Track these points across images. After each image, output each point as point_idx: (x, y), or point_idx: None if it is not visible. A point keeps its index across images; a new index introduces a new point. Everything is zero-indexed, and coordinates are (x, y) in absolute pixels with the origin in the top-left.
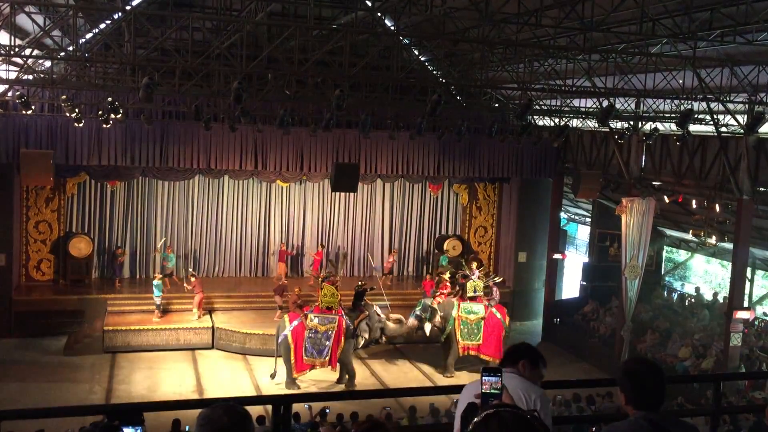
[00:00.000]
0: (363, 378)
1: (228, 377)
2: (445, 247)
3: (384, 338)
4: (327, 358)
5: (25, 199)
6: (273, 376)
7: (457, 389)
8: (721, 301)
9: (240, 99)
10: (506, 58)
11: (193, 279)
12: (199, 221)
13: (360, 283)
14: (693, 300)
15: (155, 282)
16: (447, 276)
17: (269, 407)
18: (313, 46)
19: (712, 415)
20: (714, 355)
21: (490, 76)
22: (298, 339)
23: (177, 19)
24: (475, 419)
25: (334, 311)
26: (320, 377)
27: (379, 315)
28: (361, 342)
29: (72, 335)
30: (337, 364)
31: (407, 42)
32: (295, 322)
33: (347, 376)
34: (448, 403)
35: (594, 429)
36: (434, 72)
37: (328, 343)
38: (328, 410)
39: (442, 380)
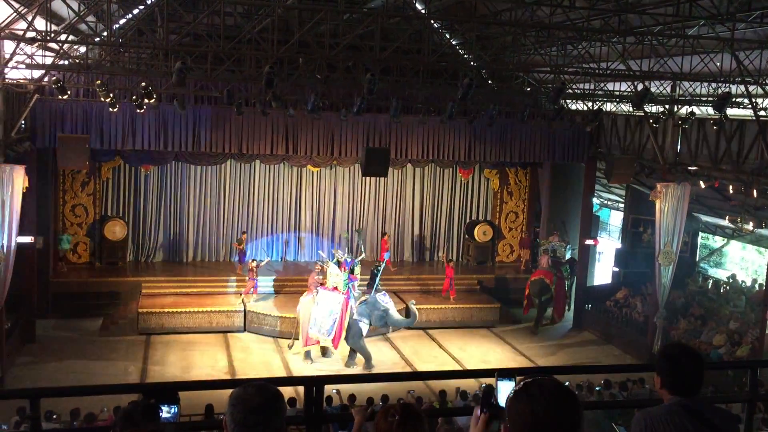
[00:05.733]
0: (393, 362)
1: (260, 360)
2: (475, 232)
3: (390, 329)
4: (330, 337)
5: (62, 183)
6: (290, 346)
7: (488, 373)
8: (757, 288)
9: (271, 83)
10: (539, 41)
11: (253, 264)
12: (231, 205)
13: (376, 264)
14: (728, 287)
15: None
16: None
17: (300, 389)
18: (344, 31)
19: (749, 402)
20: (749, 343)
21: (522, 60)
22: (306, 313)
23: (209, 3)
24: (516, 388)
25: (340, 291)
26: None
27: (382, 302)
28: (365, 328)
29: (108, 317)
30: (341, 345)
31: (438, 26)
32: (308, 297)
33: (363, 359)
34: (476, 387)
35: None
36: (465, 56)
37: (332, 321)
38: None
39: (471, 364)
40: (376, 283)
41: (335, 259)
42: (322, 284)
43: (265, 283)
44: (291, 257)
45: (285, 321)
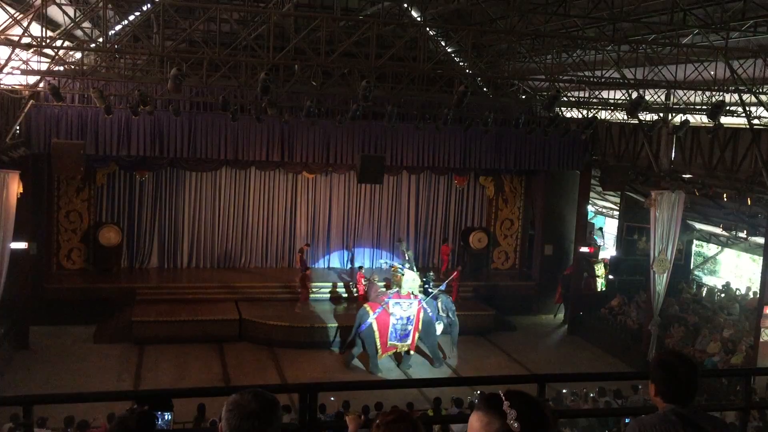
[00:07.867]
0: (388, 369)
1: (254, 367)
2: (470, 239)
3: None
4: (409, 341)
5: (56, 189)
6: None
7: (482, 381)
8: (751, 296)
9: (267, 90)
10: (534, 49)
11: (309, 273)
12: (226, 212)
13: (429, 272)
14: (722, 295)
15: None
16: None
17: (294, 397)
18: (339, 37)
19: (742, 410)
20: (743, 351)
21: (517, 67)
22: (384, 325)
23: (205, 10)
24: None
25: (412, 296)
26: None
27: (452, 304)
28: (440, 328)
29: (101, 323)
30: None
31: (434, 33)
32: (379, 310)
33: (433, 357)
34: (471, 395)
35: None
36: (461, 63)
37: (410, 327)
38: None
39: (466, 371)
40: (442, 286)
41: (406, 266)
42: (395, 295)
43: (257, 289)
44: (285, 264)
45: (279, 329)
